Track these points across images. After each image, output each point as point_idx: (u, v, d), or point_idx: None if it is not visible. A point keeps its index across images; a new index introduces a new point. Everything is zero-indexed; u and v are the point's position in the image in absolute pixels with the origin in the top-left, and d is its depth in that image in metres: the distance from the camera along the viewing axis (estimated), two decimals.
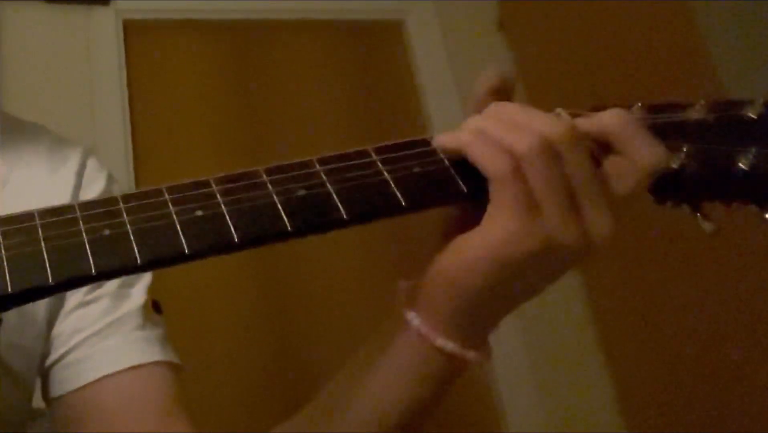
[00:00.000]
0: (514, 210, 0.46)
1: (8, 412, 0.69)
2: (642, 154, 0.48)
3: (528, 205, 0.46)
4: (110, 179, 0.79)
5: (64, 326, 0.71)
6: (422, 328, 0.51)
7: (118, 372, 0.69)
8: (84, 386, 0.69)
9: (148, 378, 0.70)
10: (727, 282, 1.77)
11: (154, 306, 0.75)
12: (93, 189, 0.76)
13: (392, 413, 0.53)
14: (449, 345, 0.50)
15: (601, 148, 0.49)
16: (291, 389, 1.93)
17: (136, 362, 0.70)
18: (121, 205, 0.46)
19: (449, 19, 2.51)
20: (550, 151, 0.46)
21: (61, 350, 0.71)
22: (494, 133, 0.48)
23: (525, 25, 2.46)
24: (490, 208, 0.47)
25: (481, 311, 0.50)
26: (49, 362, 0.71)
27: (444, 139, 0.50)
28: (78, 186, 0.76)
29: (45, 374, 0.72)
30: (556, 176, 0.46)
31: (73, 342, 0.70)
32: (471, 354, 0.51)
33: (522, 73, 2.41)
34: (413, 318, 0.51)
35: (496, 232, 0.47)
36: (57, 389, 0.70)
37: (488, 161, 0.47)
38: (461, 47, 2.47)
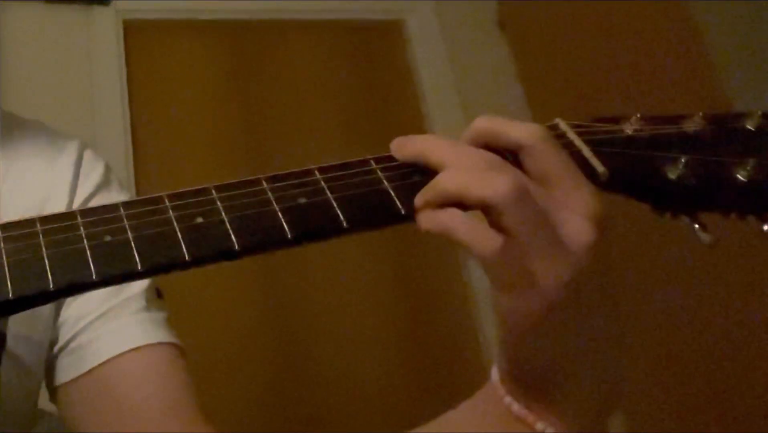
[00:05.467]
0: (513, 285, 0.44)
1: (17, 406, 0.69)
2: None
3: (522, 273, 0.43)
4: (107, 169, 0.79)
5: (69, 313, 0.71)
6: (521, 412, 0.49)
7: (124, 353, 0.69)
8: (90, 370, 0.69)
9: (156, 358, 0.69)
10: (726, 287, 1.77)
11: (156, 292, 0.75)
12: (91, 179, 0.77)
13: None
14: (549, 430, 0.48)
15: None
16: (293, 394, 1.92)
17: (141, 343, 0.69)
18: (122, 211, 0.46)
19: (449, 19, 2.51)
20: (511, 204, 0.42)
21: (67, 336, 0.70)
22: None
23: (525, 25, 2.46)
24: (492, 291, 0.45)
25: (568, 380, 0.47)
26: (55, 349, 0.71)
27: (427, 223, 0.45)
28: (76, 176, 0.76)
29: (51, 363, 0.71)
30: (528, 223, 0.43)
31: (78, 327, 0.70)
32: None
33: (522, 73, 2.41)
34: (511, 402, 0.49)
35: (511, 311, 0.45)
36: (63, 375, 0.70)
37: (478, 244, 0.43)
38: (461, 47, 2.48)
